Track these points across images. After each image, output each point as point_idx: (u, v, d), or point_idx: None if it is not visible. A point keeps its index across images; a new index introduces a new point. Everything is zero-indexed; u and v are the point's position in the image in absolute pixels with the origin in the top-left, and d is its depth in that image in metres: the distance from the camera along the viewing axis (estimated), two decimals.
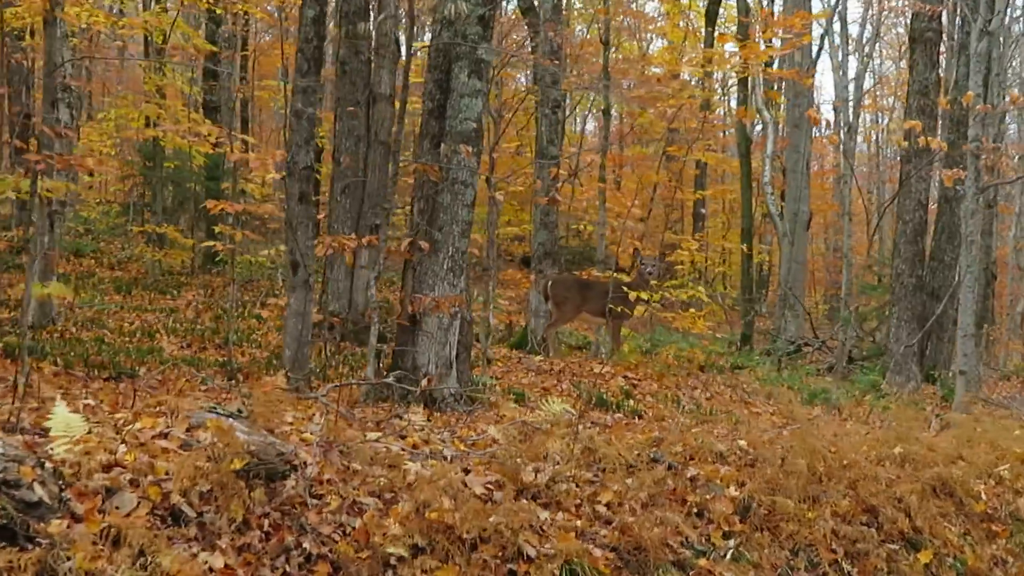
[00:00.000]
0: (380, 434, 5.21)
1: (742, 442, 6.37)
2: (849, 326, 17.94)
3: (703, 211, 25.05)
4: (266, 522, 4.07)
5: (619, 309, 9.66)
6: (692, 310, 11.25)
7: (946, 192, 12.53)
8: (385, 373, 6.41)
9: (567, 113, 25.00)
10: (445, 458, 5.05)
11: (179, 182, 15.84)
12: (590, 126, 35.48)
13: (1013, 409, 10.60)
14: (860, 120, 27.72)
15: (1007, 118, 18.88)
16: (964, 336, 10.54)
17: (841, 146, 18.81)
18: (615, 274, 10.19)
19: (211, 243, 9.74)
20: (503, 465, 5.02)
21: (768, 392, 9.44)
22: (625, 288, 9.89)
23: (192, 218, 14.19)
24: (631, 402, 7.86)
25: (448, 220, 6.57)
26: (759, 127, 21.98)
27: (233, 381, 6.69)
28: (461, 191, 6.56)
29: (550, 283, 10.46)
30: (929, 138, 8.68)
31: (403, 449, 5.05)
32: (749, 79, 18.01)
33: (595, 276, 10.68)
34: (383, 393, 6.43)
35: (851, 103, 26.02)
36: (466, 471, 4.92)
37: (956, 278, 11.07)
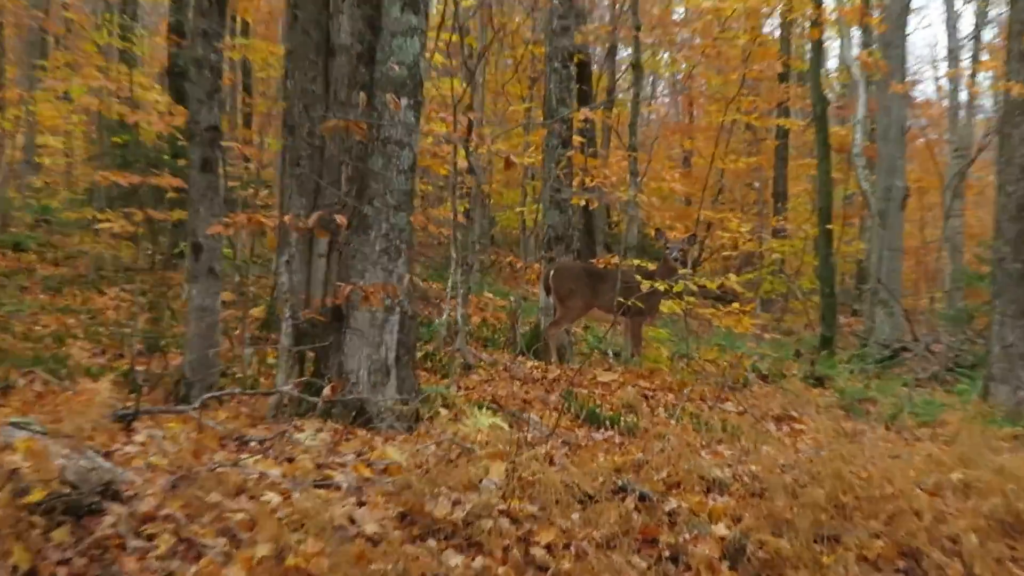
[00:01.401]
0: (259, 457, 4.82)
1: (754, 467, 5.89)
2: (959, 325, 17.22)
3: (753, 188, 24.28)
4: (64, 571, 3.70)
5: (630, 303, 9.18)
6: (736, 304, 10.72)
7: None
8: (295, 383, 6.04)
9: (618, 74, 24.47)
10: (338, 487, 4.65)
11: (150, 162, 15.67)
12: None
13: None
14: (979, 78, 26.73)
15: None
16: None
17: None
18: (634, 261, 9.73)
19: (106, 223, 9.45)
20: (414, 496, 4.60)
21: (813, 403, 8.90)
22: (641, 279, 9.41)
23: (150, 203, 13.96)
24: (632, 417, 7.40)
25: (380, 190, 6.19)
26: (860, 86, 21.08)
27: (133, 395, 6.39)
28: (395, 153, 6.19)
29: (552, 272, 10.02)
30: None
31: (283, 475, 4.66)
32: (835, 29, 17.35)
33: (613, 264, 10.21)
34: (300, 407, 6.06)
35: (968, 57, 25.16)
36: (360, 504, 4.52)
37: None
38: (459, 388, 7.69)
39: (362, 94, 6.11)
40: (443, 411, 6.47)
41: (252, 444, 5.14)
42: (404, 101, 6.15)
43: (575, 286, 9.93)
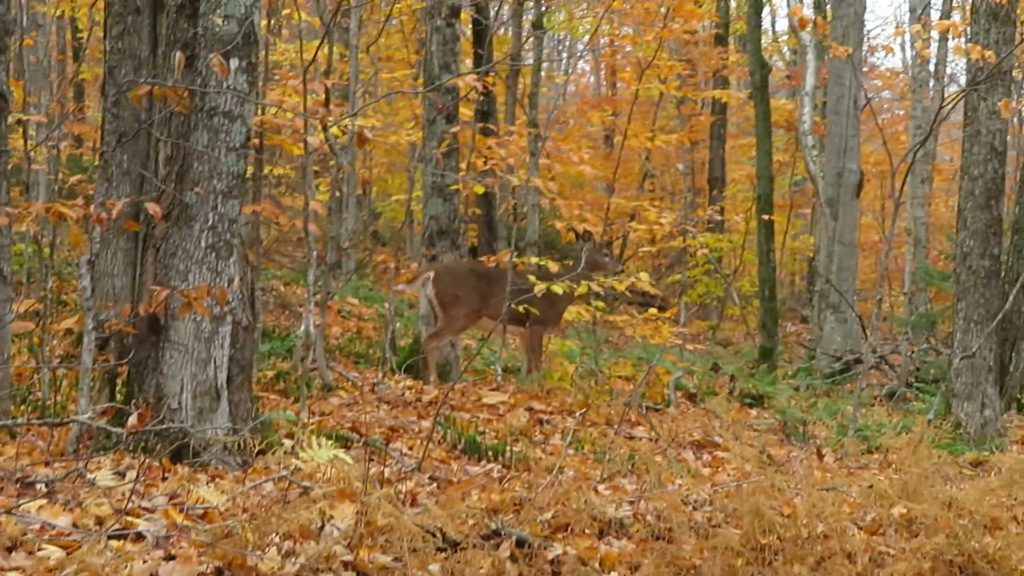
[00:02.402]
0: (44, 502, 4.71)
1: (659, 504, 5.91)
2: (920, 332, 17.53)
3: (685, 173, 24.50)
4: None
5: (523, 310, 9.19)
6: (652, 310, 10.79)
7: None
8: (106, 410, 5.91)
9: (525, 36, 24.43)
10: (141, 537, 4.55)
11: None
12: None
13: None
14: (949, 46, 27.20)
15: None
16: None
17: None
18: (531, 259, 9.76)
19: None
20: (235, 546, 4.51)
21: (741, 426, 8.99)
22: (536, 280, 9.41)
23: None
24: (518, 447, 7.40)
25: (206, 172, 6.09)
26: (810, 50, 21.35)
27: None
28: (224, 127, 6.09)
29: (433, 274, 9.99)
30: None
31: (73, 525, 4.55)
32: None
33: (504, 263, 10.20)
34: (110, 439, 5.94)
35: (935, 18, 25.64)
36: (169, 557, 4.42)
37: None
38: (312, 414, 7.60)
39: (178, 54, 5.99)
40: (287, 442, 6.39)
41: (38, 486, 5.02)
42: (234, 63, 6.04)
43: (461, 291, 9.90)
